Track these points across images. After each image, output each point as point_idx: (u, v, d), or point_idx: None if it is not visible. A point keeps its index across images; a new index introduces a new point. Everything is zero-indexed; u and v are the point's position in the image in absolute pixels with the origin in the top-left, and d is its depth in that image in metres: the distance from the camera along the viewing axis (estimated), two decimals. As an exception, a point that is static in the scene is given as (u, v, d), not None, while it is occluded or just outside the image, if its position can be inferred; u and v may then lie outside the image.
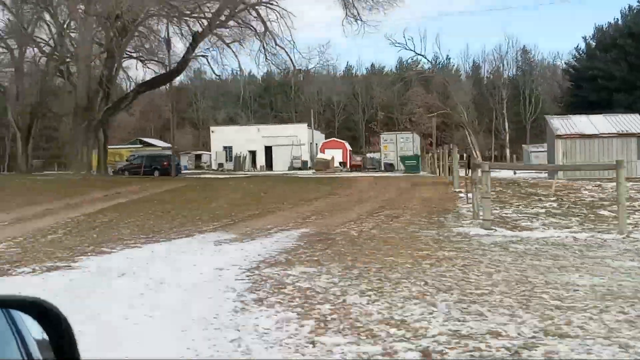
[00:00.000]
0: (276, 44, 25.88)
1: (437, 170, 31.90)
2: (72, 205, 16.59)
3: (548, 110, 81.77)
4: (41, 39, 41.24)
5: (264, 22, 25.44)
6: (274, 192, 19.47)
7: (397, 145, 41.35)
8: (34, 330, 1.47)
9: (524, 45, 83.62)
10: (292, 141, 53.67)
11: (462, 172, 31.43)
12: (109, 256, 9.26)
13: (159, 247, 10.00)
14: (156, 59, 34.82)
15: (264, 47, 25.90)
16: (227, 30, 25.71)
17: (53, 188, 20.59)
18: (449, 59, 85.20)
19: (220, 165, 54.44)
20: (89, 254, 9.43)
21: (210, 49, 26.64)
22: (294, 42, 26.33)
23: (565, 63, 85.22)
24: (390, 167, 39.80)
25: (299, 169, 51.25)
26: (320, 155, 46.79)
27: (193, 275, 7.57)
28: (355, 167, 40.76)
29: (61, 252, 9.56)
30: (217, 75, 34.63)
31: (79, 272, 8.02)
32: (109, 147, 57.98)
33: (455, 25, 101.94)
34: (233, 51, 26.39)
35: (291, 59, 27.10)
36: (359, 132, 77.70)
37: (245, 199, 17.33)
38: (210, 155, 57.25)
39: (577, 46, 78.81)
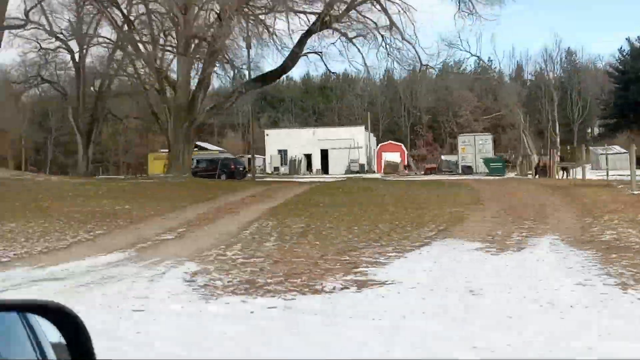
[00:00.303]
0: (403, 39, 24.40)
1: (533, 173, 30.43)
2: (223, 208, 15.35)
3: (593, 112, 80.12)
4: (105, 38, 40.25)
5: (388, 16, 23.98)
6: (418, 195, 18.06)
7: (476, 147, 39.94)
8: (50, 333, 1.51)
9: (569, 47, 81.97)
10: (350, 144, 52.32)
11: (560, 174, 30.00)
12: (389, 268, 7.93)
13: (429, 257, 8.65)
14: (225, 60, 33.56)
15: (385, 43, 24.49)
16: (339, 24, 24.16)
17: (176, 192, 19.38)
18: (491, 60, 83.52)
19: (276, 169, 53.17)
20: (364, 265, 8.10)
21: (335, 44, 25.10)
22: (416, 37, 24.85)
23: (609, 65, 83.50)
24: (468, 169, 38.33)
25: (357, 172, 49.84)
26: (388, 159, 45.37)
27: (580, 299, 6.20)
28: (430, 170, 39.34)
29: (326, 263, 8.23)
30: (332, 72, 32.28)
31: (404, 288, 6.69)
32: (161, 151, 57.22)
33: (497, 26, 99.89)
34: (357, 47, 24.92)
35: (418, 55, 25.68)
36: (403, 135, 76.27)
37: (403, 202, 15.93)
38: (264, 158, 55.94)
39: (621, 48, 76.96)
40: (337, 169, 51.93)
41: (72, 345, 1.48)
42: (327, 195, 18.09)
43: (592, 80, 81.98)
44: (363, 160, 52.72)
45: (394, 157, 45.76)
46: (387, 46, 24.63)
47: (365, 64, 26.21)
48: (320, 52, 25.90)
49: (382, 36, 24.55)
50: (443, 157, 40.80)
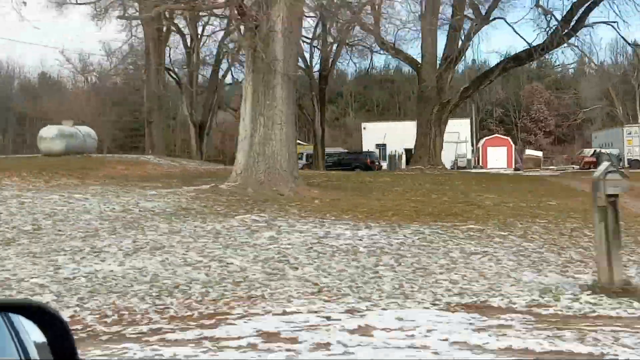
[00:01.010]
0: None
1: None
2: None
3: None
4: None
5: None
6: None
7: (645, 139, 37.14)
8: (33, 333, 1.46)
9: (635, 39, 79.34)
10: (457, 138, 49.10)
11: None
12: None
13: None
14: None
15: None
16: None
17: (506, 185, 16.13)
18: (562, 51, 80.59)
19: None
20: None
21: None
22: None
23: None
24: (636, 163, 35.41)
25: (464, 168, 46.69)
26: (529, 152, 42.19)
27: None
28: (588, 165, 36.13)
29: None
30: (635, 46, 26.52)
31: None
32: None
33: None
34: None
35: None
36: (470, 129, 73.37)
37: None
38: (363, 153, 52.64)
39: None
40: (441, 164, 48.75)
41: (55, 345, 1.43)
42: None
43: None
44: (470, 154, 49.63)
45: (534, 152, 42.54)
46: None
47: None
48: (615, 22, 22.36)
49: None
50: (602, 150, 37.66)
